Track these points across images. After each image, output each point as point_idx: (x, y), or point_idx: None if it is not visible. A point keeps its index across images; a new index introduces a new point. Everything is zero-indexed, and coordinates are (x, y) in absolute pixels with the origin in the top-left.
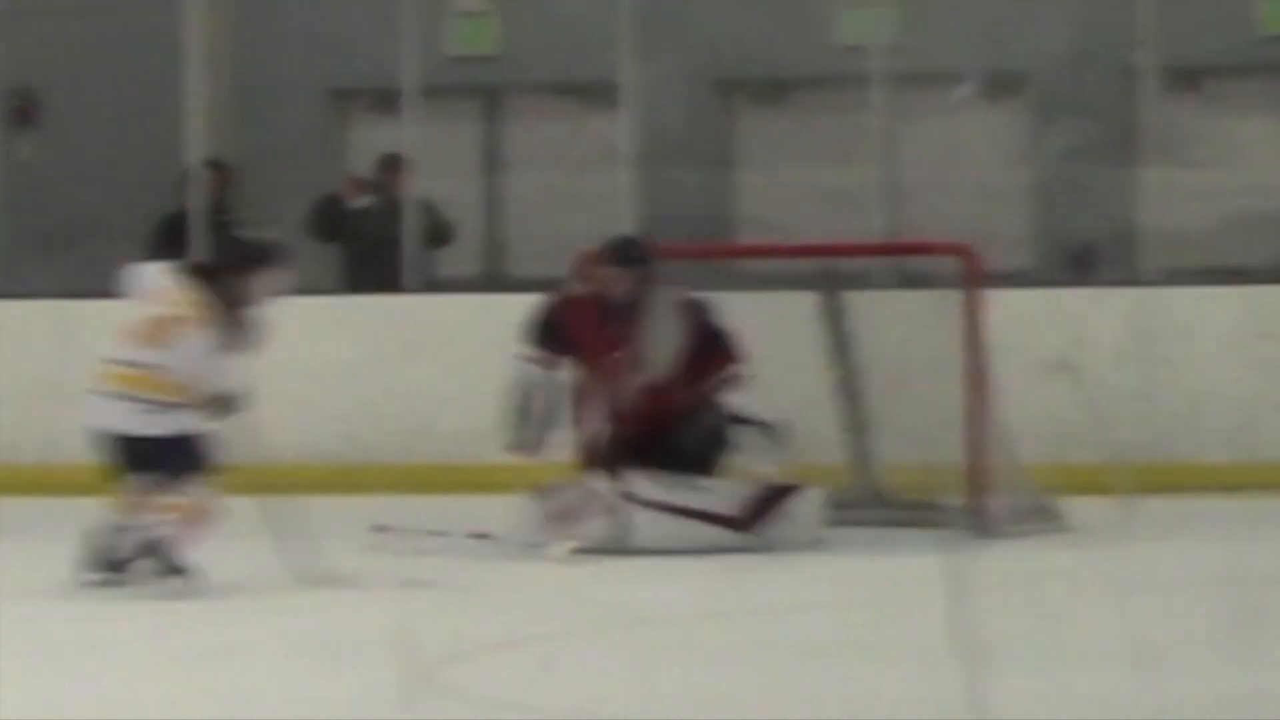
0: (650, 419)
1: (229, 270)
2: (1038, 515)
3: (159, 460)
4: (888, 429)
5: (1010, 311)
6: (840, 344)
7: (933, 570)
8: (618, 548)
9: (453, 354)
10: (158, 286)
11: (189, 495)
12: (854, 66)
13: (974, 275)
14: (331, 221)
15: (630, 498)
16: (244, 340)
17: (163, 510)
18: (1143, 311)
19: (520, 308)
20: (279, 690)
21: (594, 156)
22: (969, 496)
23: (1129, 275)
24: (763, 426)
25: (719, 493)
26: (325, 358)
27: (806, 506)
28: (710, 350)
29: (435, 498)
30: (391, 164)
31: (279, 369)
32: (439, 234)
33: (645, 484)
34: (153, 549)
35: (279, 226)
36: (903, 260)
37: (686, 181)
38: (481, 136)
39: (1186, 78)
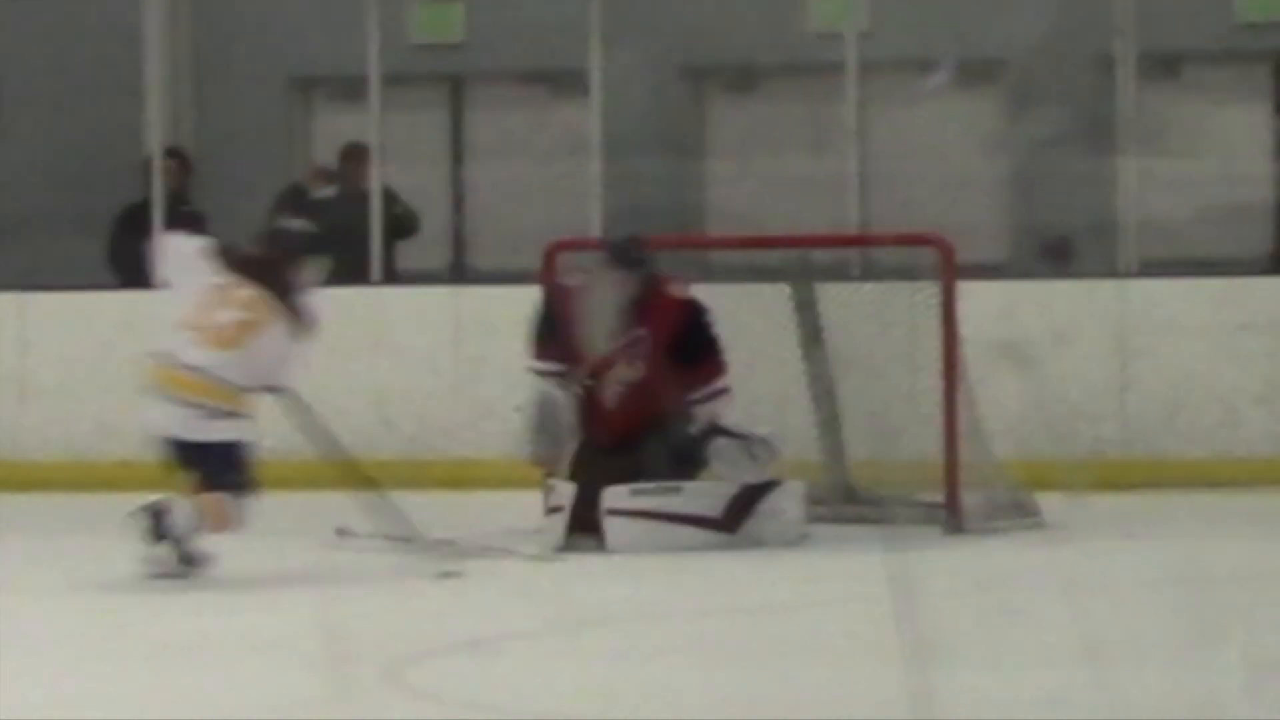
0: (625, 426)
1: (281, 261)
2: (1013, 511)
3: (205, 463)
4: (861, 423)
5: (985, 304)
6: (812, 337)
7: (901, 567)
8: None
9: (417, 347)
10: (217, 283)
11: (223, 499)
12: (826, 54)
13: (948, 267)
14: (294, 212)
15: (606, 510)
16: (304, 329)
17: (198, 508)
18: (1120, 304)
19: (486, 300)
20: (241, 689)
21: (561, 146)
22: (943, 492)
23: (1106, 267)
24: (747, 440)
25: (698, 495)
26: None
27: (788, 501)
28: (696, 357)
29: (399, 494)
30: (355, 153)
31: None
32: (403, 225)
33: (620, 494)
34: (176, 540)
35: (241, 217)
36: (876, 251)
37: (656, 171)
38: (447, 125)
39: (1164, 65)
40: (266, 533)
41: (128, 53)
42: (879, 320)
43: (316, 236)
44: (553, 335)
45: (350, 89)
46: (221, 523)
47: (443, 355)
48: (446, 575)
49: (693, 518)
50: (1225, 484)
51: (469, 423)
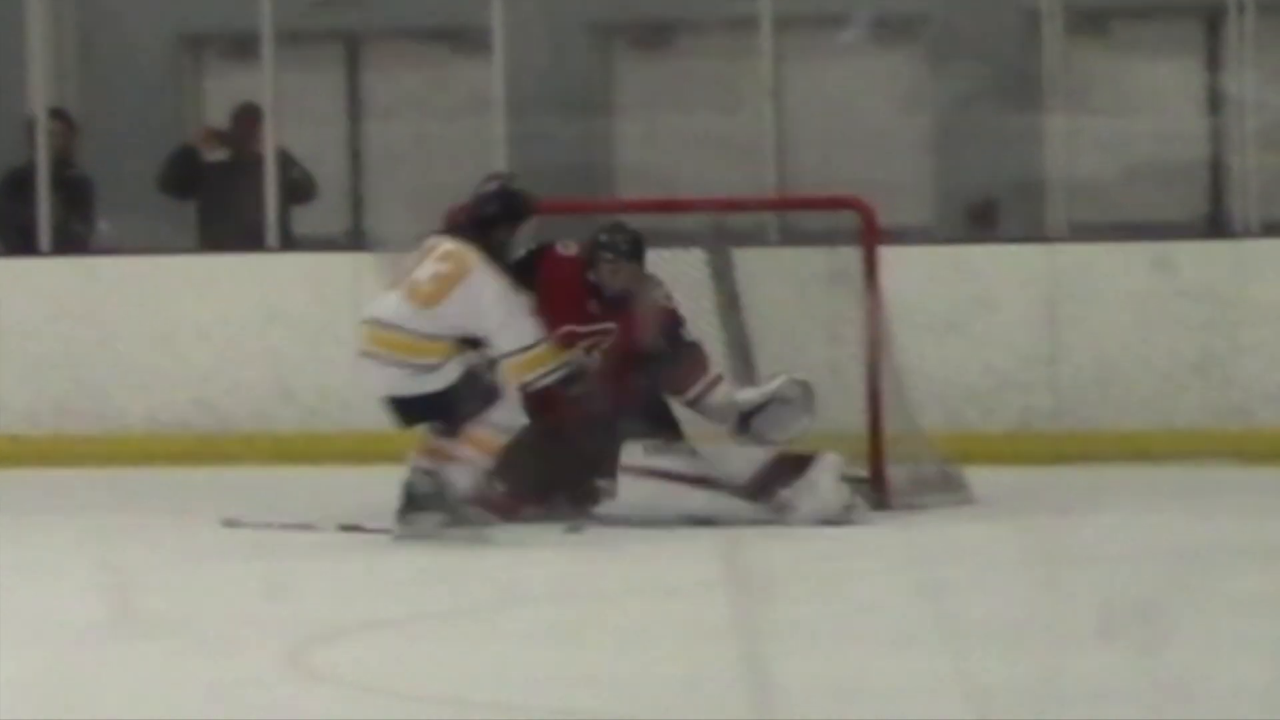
0: (561, 410)
1: (487, 217)
2: (941, 486)
3: (434, 413)
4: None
5: (909, 270)
6: (729, 304)
7: (823, 546)
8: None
9: (314, 315)
10: (426, 241)
11: (473, 436)
12: (739, 8)
13: (870, 231)
14: (186, 176)
15: (620, 466)
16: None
17: (455, 456)
18: (1050, 269)
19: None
20: (140, 674)
21: (463, 105)
22: (868, 467)
23: (1034, 230)
24: (777, 394)
25: (724, 458)
26: (178, 320)
27: (827, 474)
28: (678, 358)
29: (296, 468)
30: (248, 114)
31: (128, 333)
32: (300, 188)
33: (635, 451)
34: (443, 497)
35: (129, 181)
36: (795, 215)
37: (562, 131)
38: (343, 85)
39: (1092, 20)
40: (164, 512)
41: (9, 10)
42: (799, 287)
43: (522, 195)
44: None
45: (242, 47)
46: (490, 450)
47: (343, 324)
48: (347, 529)
49: (713, 481)
50: (1161, 457)
51: (370, 394)
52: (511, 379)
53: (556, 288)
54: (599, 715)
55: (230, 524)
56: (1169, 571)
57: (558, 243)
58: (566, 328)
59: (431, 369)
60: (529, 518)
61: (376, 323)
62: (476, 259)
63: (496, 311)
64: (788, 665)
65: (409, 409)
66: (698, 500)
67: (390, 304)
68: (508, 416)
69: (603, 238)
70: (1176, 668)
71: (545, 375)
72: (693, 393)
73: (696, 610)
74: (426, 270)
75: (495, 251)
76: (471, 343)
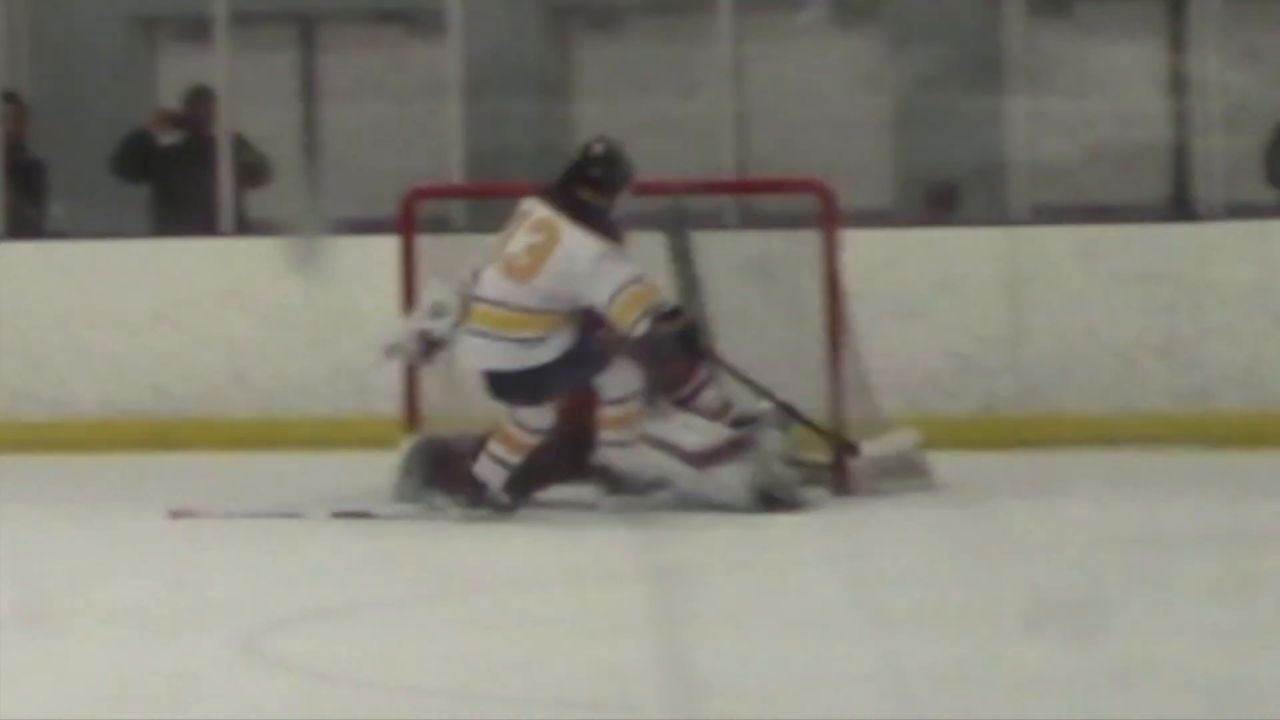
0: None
1: (600, 183)
2: (903, 472)
3: (539, 388)
4: (740, 380)
5: (869, 253)
6: (689, 289)
7: (770, 533)
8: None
9: (269, 300)
10: (518, 212)
11: (504, 432)
12: None
13: (830, 214)
14: (139, 159)
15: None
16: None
17: (507, 440)
18: (1011, 252)
19: (343, 249)
20: (91, 661)
21: (419, 87)
22: (829, 451)
23: (996, 213)
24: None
25: (689, 426)
26: (132, 306)
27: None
28: (672, 360)
29: (251, 455)
30: (201, 97)
31: (82, 318)
32: (254, 172)
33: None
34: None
35: (82, 164)
36: (754, 198)
37: (519, 113)
38: (298, 67)
39: (1054, 1)
40: (119, 498)
41: None
42: (758, 271)
43: (627, 162)
44: None
45: (195, 29)
46: (518, 447)
47: (298, 308)
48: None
49: (667, 444)
50: (1125, 441)
51: (327, 379)
52: (620, 326)
53: None
54: (542, 701)
55: (177, 515)
56: (1126, 557)
57: None
58: None
59: (537, 342)
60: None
61: (482, 300)
62: (566, 224)
63: (590, 270)
64: (731, 653)
65: (514, 385)
66: (656, 462)
67: (491, 280)
68: (538, 418)
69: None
70: (1117, 655)
71: (650, 313)
72: (682, 393)
73: (643, 598)
74: (520, 243)
75: (591, 215)
76: (581, 313)
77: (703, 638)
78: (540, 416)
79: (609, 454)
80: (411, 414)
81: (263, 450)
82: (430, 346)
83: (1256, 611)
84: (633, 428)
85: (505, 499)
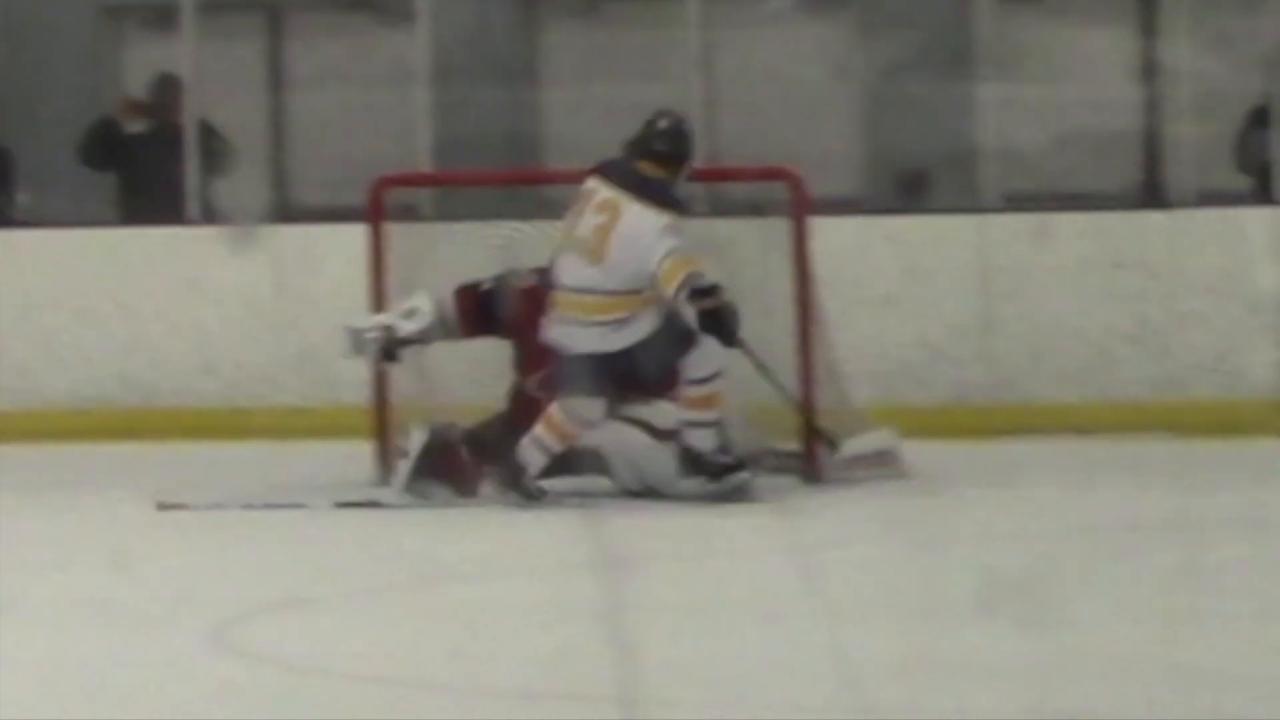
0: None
1: (665, 158)
2: (874, 460)
3: (632, 369)
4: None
5: (839, 241)
6: None
7: (754, 519)
8: None
9: (237, 288)
10: (582, 193)
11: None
12: None
13: (800, 202)
14: (106, 148)
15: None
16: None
17: (554, 428)
18: (982, 240)
19: (309, 238)
20: (62, 650)
21: (387, 75)
22: (799, 440)
23: (966, 201)
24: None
25: (665, 410)
26: (99, 294)
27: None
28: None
29: (218, 444)
30: (168, 85)
31: (49, 307)
32: (219, 160)
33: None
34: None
35: (49, 153)
36: (724, 186)
37: (487, 100)
38: (265, 54)
39: None
40: (83, 488)
41: None
42: (727, 259)
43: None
44: (491, 305)
45: (162, 17)
46: (564, 436)
47: (264, 297)
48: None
49: (643, 423)
50: (1097, 430)
51: (293, 368)
52: (665, 290)
53: (531, 321)
54: (499, 690)
55: (164, 507)
56: (1088, 546)
57: (508, 276)
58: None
59: (624, 324)
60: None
61: (567, 289)
62: (628, 200)
63: (651, 241)
64: (685, 642)
65: (605, 368)
66: (634, 440)
67: (568, 268)
68: (590, 409)
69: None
70: (1072, 644)
71: (689, 283)
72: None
73: (593, 587)
74: (588, 225)
75: (654, 189)
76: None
77: (657, 627)
78: (593, 408)
79: (691, 435)
80: (380, 404)
81: (230, 439)
82: (393, 344)
83: (1213, 600)
84: (715, 409)
85: (538, 486)
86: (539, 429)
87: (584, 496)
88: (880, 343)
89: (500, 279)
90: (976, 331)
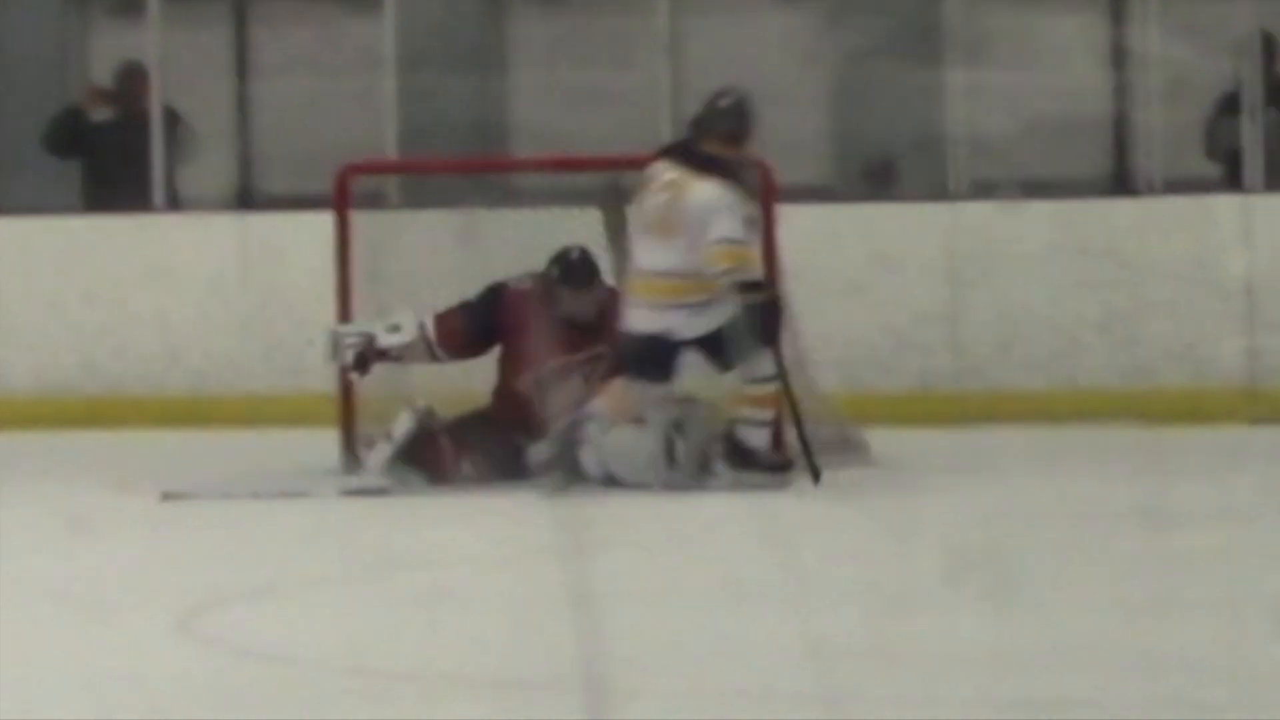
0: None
1: (728, 136)
2: (841, 448)
3: (714, 352)
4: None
5: (807, 228)
6: (626, 265)
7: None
8: None
9: (203, 277)
10: (646, 175)
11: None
12: None
13: (767, 189)
14: (71, 136)
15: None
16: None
17: (755, 401)
18: (951, 228)
19: (276, 226)
20: (24, 639)
21: (353, 62)
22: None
23: (935, 188)
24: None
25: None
26: (65, 282)
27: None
28: None
29: (184, 432)
30: (134, 74)
31: (14, 295)
32: (184, 148)
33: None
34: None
35: (14, 141)
36: None
37: (455, 87)
38: (231, 42)
39: None
40: (48, 476)
41: None
42: None
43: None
44: (475, 323)
45: (128, 4)
46: (767, 402)
47: (230, 285)
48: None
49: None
50: (1065, 418)
51: (259, 356)
52: (710, 267)
53: (527, 326)
54: (463, 677)
55: (169, 497)
56: (1052, 534)
57: (509, 281)
58: (562, 360)
59: (703, 309)
60: (457, 479)
61: (643, 273)
62: (692, 178)
63: (714, 216)
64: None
65: (679, 352)
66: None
67: (645, 251)
68: (763, 365)
69: (556, 272)
70: (1033, 631)
71: (738, 274)
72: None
73: (558, 574)
74: (655, 207)
75: (719, 168)
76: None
77: (625, 614)
78: (765, 363)
79: (745, 431)
80: (346, 393)
81: (195, 427)
82: (370, 354)
83: (1181, 587)
84: (772, 408)
85: (779, 458)
86: (747, 410)
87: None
88: (847, 330)
89: (493, 289)
90: (944, 319)
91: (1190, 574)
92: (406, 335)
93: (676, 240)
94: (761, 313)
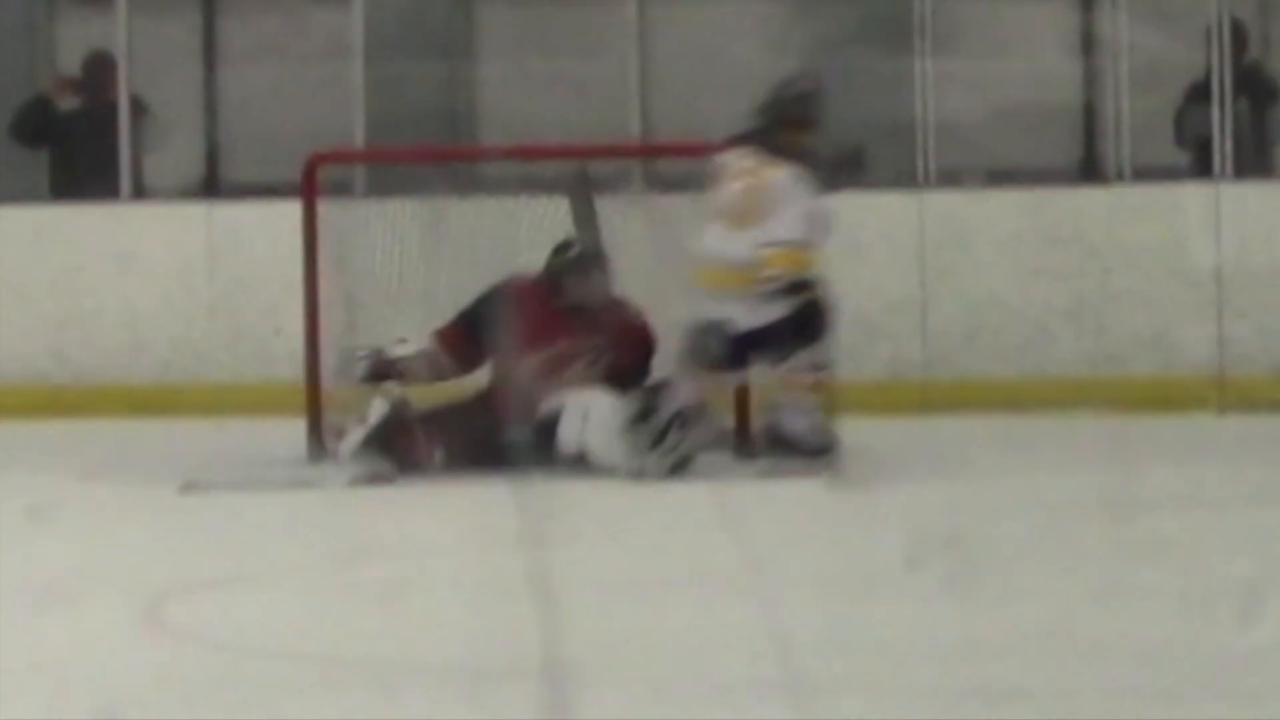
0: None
1: (800, 122)
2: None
3: (777, 342)
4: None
5: None
6: (593, 254)
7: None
8: None
9: (170, 266)
10: (723, 162)
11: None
12: None
13: None
14: (38, 125)
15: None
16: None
17: (797, 387)
18: (919, 216)
19: (243, 214)
20: None
21: (321, 50)
22: (735, 415)
23: (903, 176)
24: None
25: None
26: (32, 271)
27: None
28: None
29: (150, 421)
30: (100, 62)
31: None
32: (149, 136)
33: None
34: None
35: None
36: (660, 161)
37: (422, 76)
38: (199, 30)
39: None
40: (13, 465)
41: None
42: (665, 236)
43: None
44: (477, 328)
45: None
46: (812, 387)
47: (197, 274)
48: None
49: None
50: (1033, 406)
51: (226, 345)
52: (770, 264)
53: (532, 316)
54: (426, 666)
55: (189, 487)
56: (1018, 523)
57: (509, 278)
58: (562, 349)
59: (770, 298)
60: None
61: (713, 260)
62: (769, 167)
63: (790, 204)
64: (614, 618)
65: (752, 342)
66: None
67: (720, 240)
68: (816, 353)
69: (557, 263)
70: (996, 620)
71: (787, 280)
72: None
73: (522, 563)
74: (730, 193)
75: (790, 154)
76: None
77: (588, 602)
78: (817, 351)
79: (787, 416)
80: (313, 381)
81: (162, 416)
82: (383, 365)
83: (1148, 575)
84: (818, 397)
85: (829, 438)
86: (788, 396)
87: (515, 472)
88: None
89: (492, 288)
90: (913, 307)
91: (1154, 562)
92: (414, 346)
93: (751, 230)
94: (810, 312)
